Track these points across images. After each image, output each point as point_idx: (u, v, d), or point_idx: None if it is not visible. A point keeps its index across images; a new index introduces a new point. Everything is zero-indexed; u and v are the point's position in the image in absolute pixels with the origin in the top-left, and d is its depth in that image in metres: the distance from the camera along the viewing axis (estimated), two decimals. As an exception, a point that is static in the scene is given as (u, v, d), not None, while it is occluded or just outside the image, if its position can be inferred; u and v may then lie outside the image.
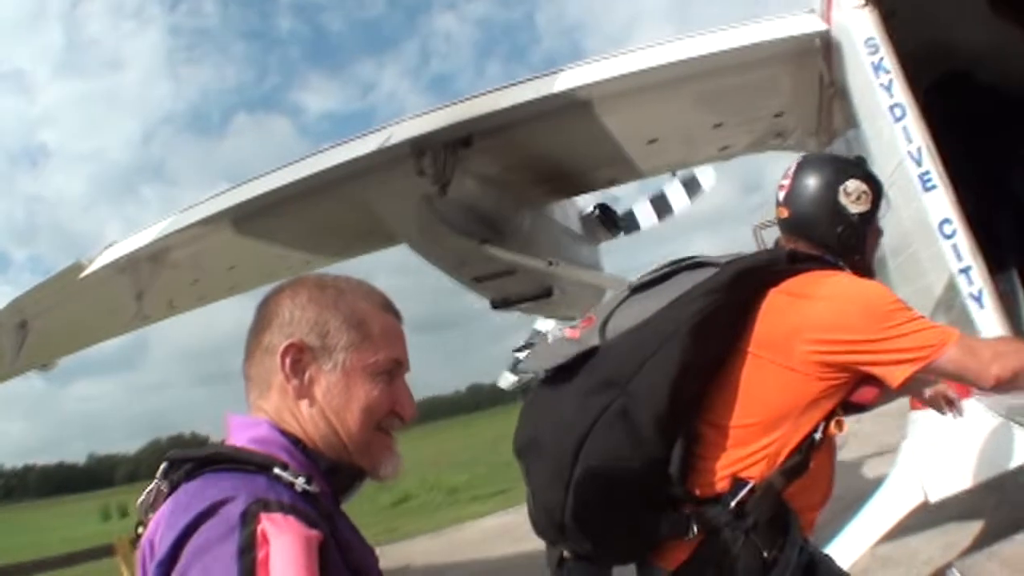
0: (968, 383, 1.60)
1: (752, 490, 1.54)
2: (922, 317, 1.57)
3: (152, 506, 0.92)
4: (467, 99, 3.51)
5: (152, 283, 4.37)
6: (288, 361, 1.02)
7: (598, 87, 3.45)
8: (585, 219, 5.10)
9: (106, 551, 6.56)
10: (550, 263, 4.30)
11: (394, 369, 1.06)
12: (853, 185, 1.70)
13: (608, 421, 1.52)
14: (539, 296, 4.72)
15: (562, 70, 3.44)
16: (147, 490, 0.93)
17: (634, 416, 1.52)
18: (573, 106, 3.55)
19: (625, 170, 4.38)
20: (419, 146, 3.46)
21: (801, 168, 1.74)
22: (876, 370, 1.54)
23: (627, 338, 1.59)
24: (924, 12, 3.33)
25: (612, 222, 5.29)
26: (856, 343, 1.53)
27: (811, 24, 3.18)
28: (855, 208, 1.70)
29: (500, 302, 4.79)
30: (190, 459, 0.94)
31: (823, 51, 3.19)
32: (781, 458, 1.55)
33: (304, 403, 1.02)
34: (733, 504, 1.53)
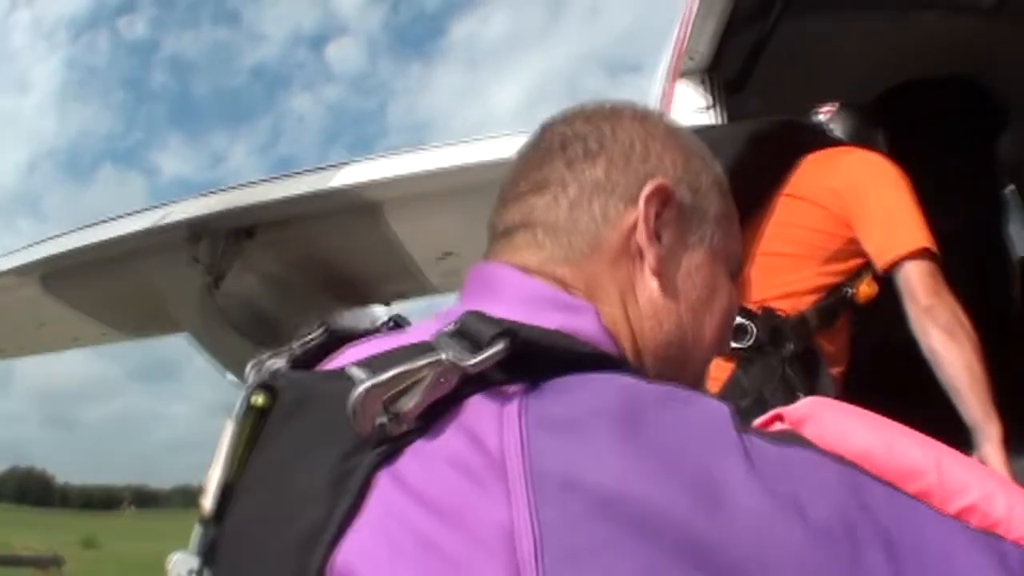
0: (907, 299, 1.65)
1: (786, 319, 1.60)
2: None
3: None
4: (249, 184, 3.38)
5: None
6: (653, 211, 0.66)
7: (388, 187, 3.37)
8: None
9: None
10: None
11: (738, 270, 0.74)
12: None
13: None
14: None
15: (351, 163, 3.38)
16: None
17: None
18: (361, 207, 3.46)
19: (416, 285, 4.35)
20: (196, 230, 3.29)
21: None
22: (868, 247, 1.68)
23: None
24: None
25: None
26: (869, 206, 1.69)
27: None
28: None
29: None
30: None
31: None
32: (812, 297, 1.64)
33: (654, 285, 0.65)
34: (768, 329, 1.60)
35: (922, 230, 1.62)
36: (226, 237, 3.36)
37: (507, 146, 3.27)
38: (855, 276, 1.68)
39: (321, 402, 0.53)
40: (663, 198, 0.67)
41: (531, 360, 0.49)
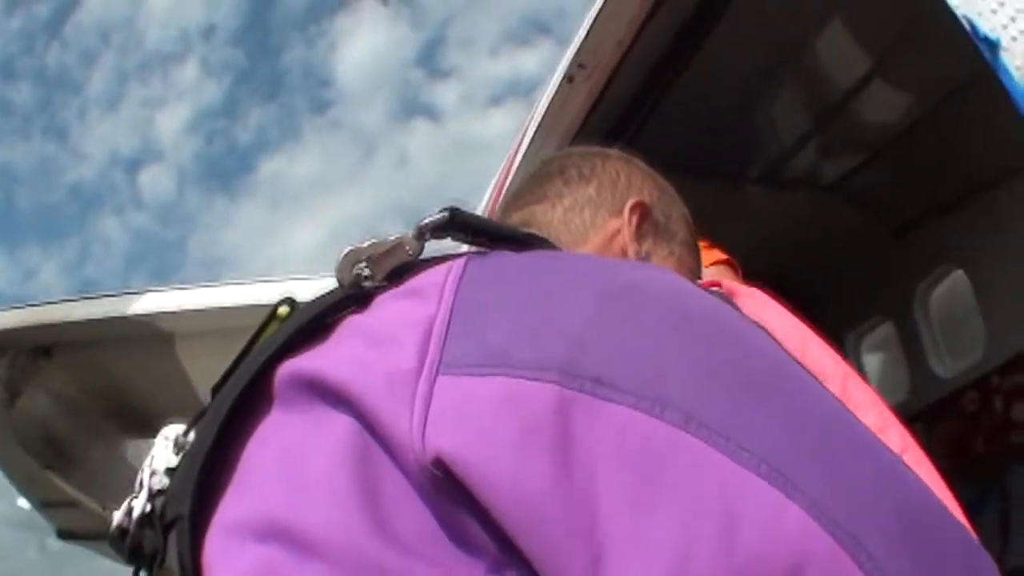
0: None
1: None
2: None
3: None
4: (51, 303, 3.61)
5: None
6: (635, 220, 0.85)
7: (181, 319, 3.54)
8: None
9: None
10: (104, 507, 4.19)
11: None
12: None
13: None
14: (101, 536, 4.61)
15: (149, 291, 3.66)
16: None
17: None
18: (153, 336, 3.62)
19: None
20: None
21: None
22: None
23: None
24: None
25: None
26: None
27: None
28: None
29: (66, 533, 4.57)
30: None
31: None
32: None
33: None
34: None
35: None
36: (25, 355, 3.58)
37: (303, 288, 3.62)
38: None
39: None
40: (643, 212, 0.85)
41: (477, 236, 0.58)
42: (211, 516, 0.53)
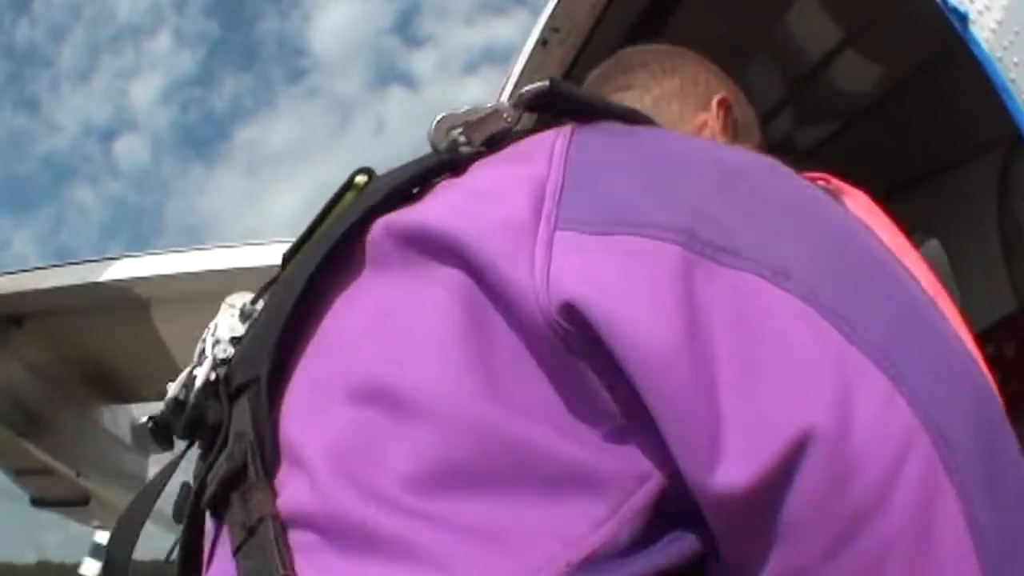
0: None
1: None
2: None
3: None
4: (21, 272, 3.59)
5: None
6: (722, 114, 0.86)
7: (155, 285, 3.52)
8: (137, 429, 4.99)
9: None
10: (78, 474, 4.26)
11: None
12: None
13: None
14: (75, 503, 4.63)
15: (121, 257, 3.63)
16: None
17: None
18: (129, 303, 3.61)
19: None
20: None
21: None
22: None
23: None
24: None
25: (166, 437, 5.31)
26: None
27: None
28: None
29: (39, 500, 4.58)
30: None
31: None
32: None
33: None
34: None
35: None
36: None
37: (277, 253, 3.67)
38: None
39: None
40: (727, 107, 0.85)
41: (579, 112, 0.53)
42: (287, 382, 0.50)
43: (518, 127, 0.55)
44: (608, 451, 0.41)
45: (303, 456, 0.46)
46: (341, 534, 0.42)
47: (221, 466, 0.49)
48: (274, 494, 0.46)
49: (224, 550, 0.48)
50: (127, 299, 3.64)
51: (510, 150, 0.52)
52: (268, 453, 0.48)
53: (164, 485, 0.61)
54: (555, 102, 0.54)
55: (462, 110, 0.54)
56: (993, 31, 1.17)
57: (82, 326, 3.81)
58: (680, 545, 0.41)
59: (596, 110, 0.53)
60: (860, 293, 0.42)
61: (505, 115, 0.55)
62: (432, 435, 0.42)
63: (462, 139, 0.53)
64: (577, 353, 0.41)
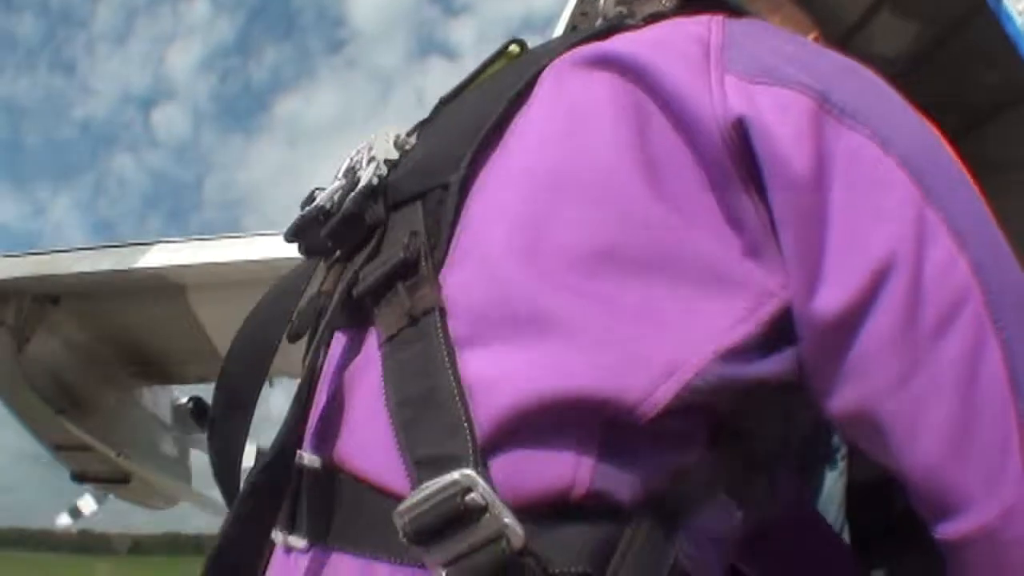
0: None
1: None
2: None
3: None
4: (59, 251, 3.66)
5: None
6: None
7: (193, 272, 3.56)
8: (178, 409, 5.15)
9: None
10: (118, 454, 4.34)
11: None
12: None
13: None
14: (116, 480, 4.70)
15: (157, 243, 3.67)
16: None
17: None
18: (166, 288, 3.66)
19: (217, 369, 4.60)
20: (2, 292, 3.53)
21: None
22: None
23: None
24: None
25: (206, 416, 5.40)
26: None
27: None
28: None
29: (79, 476, 4.68)
30: None
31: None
32: None
33: None
34: None
35: None
36: (31, 301, 3.61)
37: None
38: None
39: None
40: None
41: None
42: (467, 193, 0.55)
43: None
44: (749, 261, 0.48)
45: (482, 247, 0.51)
46: (504, 319, 0.48)
47: (386, 260, 0.53)
48: (439, 288, 0.51)
49: (354, 354, 0.53)
50: (164, 284, 3.68)
51: (670, 23, 0.58)
52: (439, 253, 0.53)
53: (300, 292, 0.61)
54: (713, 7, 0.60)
55: None
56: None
57: (119, 308, 3.86)
58: (785, 360, 0.48)
59: (740, 10, 0.60)
60: (943, 173, 0.50)
61: (664, 1, 0.64)
62: (602, 220, 0.48)
63: (626, 13, 0.63)
64: (738, 165, 0.48)
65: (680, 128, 0.49)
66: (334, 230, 0.58)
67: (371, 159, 0.59)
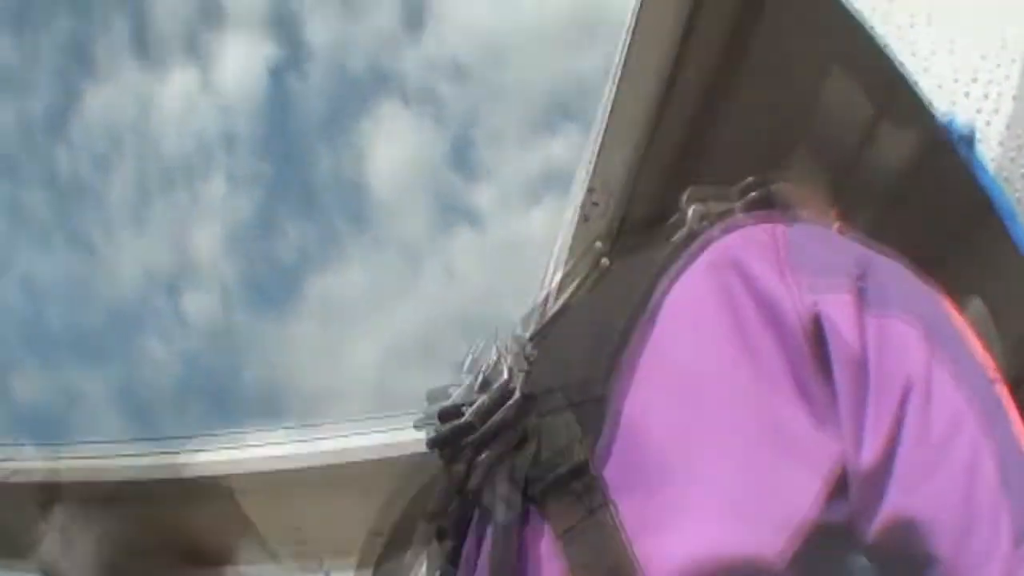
0: None
1: None
2: None
3: None
4: (104, 444, 3.76)
5: None
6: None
7: (239, 467, 3.74)
8: None
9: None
10: None
11: None
12: None
13: None
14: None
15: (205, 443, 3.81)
16: None
17: None
18: (212, 488, 3.77)
19: (265, 554, 4.39)
20: (47, 494, 3.59)
21: None
22: None
23: None
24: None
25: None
26: None
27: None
28: None
29: None
30: None
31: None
32: None
33: None
34: None
35: None
36: (78, 502, 3.66)
37: (354, 433, 3.71)
38: None
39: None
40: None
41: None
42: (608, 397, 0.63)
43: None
44: (819, 431, 0.56)
45: (639, 448, 0.60)
46: (659, 506, 0.57)
47: (554, 463, 0.61)
48: (607, 486, 0.59)
49: (516, 544, 0.60)
50: (211, 485, 3.81)
51: (743, 232, 0.69)
52: (597, 456, 0.60)
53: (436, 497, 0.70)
54: (767, 205, 0.76)
55: (708, 202, 0.75)
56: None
57: (168, 506, 3.88)
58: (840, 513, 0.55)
59: (787, 217, 0.73)
60: (949, 344, 0.61)
61: (735, 210, 0.74)
62: (738, 412, 0.58)
63: (705, 223, 0.72)
64: (813, 349, 0.58)
65: (772, 325, 0.60)
66: (485, 439, 0.65)
67: (502, 368, 0.68)
